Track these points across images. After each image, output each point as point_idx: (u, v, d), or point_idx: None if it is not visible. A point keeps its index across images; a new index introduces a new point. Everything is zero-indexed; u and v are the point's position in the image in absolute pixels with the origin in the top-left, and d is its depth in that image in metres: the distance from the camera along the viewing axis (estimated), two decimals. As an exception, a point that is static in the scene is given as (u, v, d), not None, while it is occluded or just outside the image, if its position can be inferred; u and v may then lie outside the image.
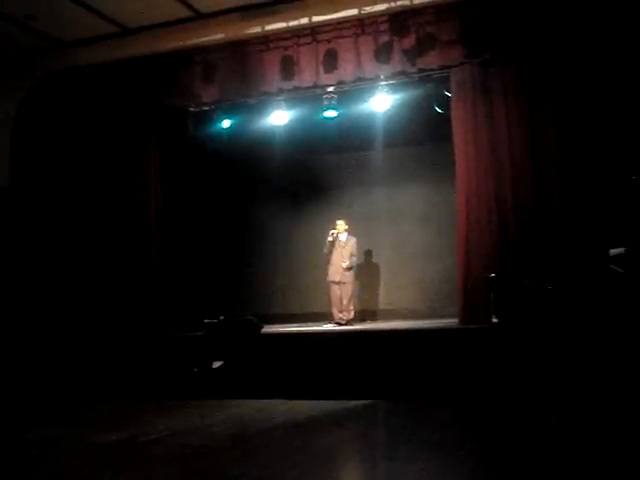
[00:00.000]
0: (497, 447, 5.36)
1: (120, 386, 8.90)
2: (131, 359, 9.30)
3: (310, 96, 10.38)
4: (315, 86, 9.91)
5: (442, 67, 9.28)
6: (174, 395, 8.53)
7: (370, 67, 9.44)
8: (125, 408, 8.22)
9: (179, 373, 8.92)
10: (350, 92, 10.26)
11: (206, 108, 10.84)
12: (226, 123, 11.11)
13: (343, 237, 10.64)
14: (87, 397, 8.80)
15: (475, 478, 4.58)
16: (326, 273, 10.70)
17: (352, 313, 10.60)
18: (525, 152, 8.71)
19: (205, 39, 10.03)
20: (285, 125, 11.05)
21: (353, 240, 10.68)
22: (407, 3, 9.14)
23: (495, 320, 8.02)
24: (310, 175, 12.41)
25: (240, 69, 9.97)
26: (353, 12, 9.38)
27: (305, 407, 7.45)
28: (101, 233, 10.50)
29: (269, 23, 9.70)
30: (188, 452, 5.71)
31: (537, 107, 8.73)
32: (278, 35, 9.80)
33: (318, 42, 9.62)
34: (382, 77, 9.76)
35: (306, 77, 9.71)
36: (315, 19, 9.54)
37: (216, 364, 8.82)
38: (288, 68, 9.71)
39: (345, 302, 10.52)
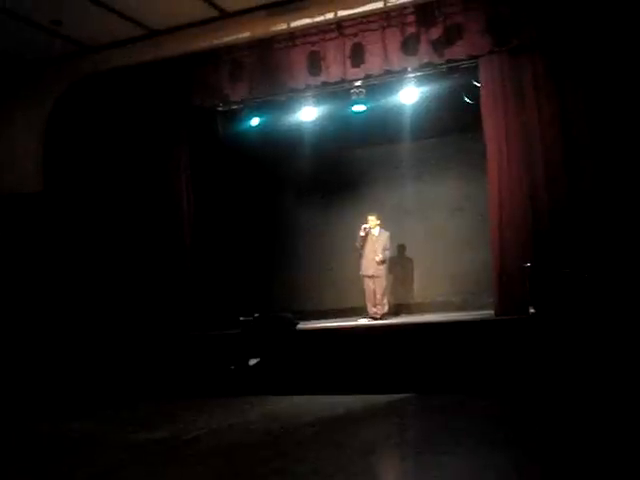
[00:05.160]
0: (536, 440, 5.30)
1: (158, 385, 9.00)
2: (169, 358, 9.40)
3: (338, 91, 10.35)
4: (343, 81, 9.87)
5: (470, 57, 9.17)
6: (212, 393, 8.61)
7: (397, 59, 9.37)
8: (164, 406, 8.31)
9: (217, 371, 8.98)
10: (378, 85, 10.22)
11: (235, 107, 10.88)
12: (255, 121, 11.15)
13: (375, 231, 10.61)
14: (126, 396, 8.92)
15: (515, 471, 4.54)
16: (359, 268, 10.67)
17: (386, 307, 10.55)
18: (557, 139, 8.58)
19: (231, 38, 10.05)
20: (314, 121, 11.07)
21: (386, 234, 10.63)
22: (433, -7, 9.09)
23: (532, 310, 7.93)
24: (340, 170, 12.38)
25: (267, 67, 9.96)
26: (379, 5, 9.33)
27: (342, 402, 7.46)
28: (135, 234, 10.60)
29: (295, 19, 9.69)
30: (228, 449, 5.76)
31: (568, 94, 8.60)
32: (304, 31, 9.77)
33: (344, 36, 9.57)
34: (410, 69, 9.71)
35: (333, 72, 9.68)
36: (341, 14, 9.51)
37: (253, 361, 8.86)
38: (315, 64, 9.69)
39: (379, 296, 10.48)
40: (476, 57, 9.13)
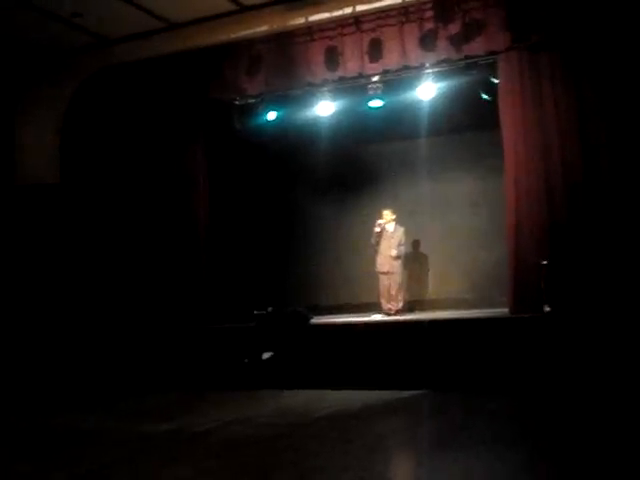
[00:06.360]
0: (550, 438, 5.29)
1: (172, 377, 9.03)
2: (183, 351, 9.43)
3: (355, 86, 10.34)
4: (360, 76, 9.87)
5: (489, 53, 9.14)
6: (225, 386, 8.63)
7: (415, 55, 9.35)
8: (177, 399, 8.34)
9: (230, 364, 9.00)
10: (395, 81, 10.19)
11: (252, 101, 10.87)
12: (272, 115, 11.11)
13: (390, 227, 10.57)
14: (138, 388, 8.95)
15: (528, 469, 4.52)
16: (374, 263, 10.66)
17: (401, 303, 10.52)
18: (574, 136, 8.53)
19: (249, 32, 10.06)
20: (331, 116, 11.04)
21: (401, 230, 10.60)
22: (452, -11, 9.05)
23: (547, 309, 7.91)
24: (356, 165, 12.34)
25: (285, 61, 9.97)
26: (397, 0, 9.30)
27: (355, 397, 7.46)
28: (150, 226, 10.65)
29: (313, 14, 9.69)
30: (240, 442, 5.76)
31: (586, 90, 8.54)
32: (322, 26, 9.77)
33: (362, 31, 9.56)
34: (427, 65, 9.68)
35: (351, 67, 9.67)
36: (359, 8, 9.50)
37: (266, 355, 8.88)
38: (333, 58, 9.68)
39: (393, 292, 10.46)
40: (494, 53, 9.10)
